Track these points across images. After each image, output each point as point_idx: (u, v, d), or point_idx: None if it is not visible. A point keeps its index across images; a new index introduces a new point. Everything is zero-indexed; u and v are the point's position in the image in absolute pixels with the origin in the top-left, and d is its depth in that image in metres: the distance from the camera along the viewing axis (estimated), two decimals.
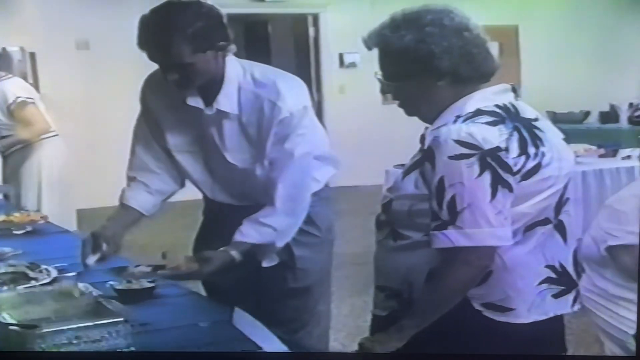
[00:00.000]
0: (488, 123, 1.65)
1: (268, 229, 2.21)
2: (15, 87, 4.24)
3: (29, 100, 4.21)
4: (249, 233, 2.20)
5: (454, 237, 1.62)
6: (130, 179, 2.38)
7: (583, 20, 8.55)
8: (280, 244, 2.25)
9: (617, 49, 8.25)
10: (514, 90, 1.77)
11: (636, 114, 6.55)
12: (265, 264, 2.29)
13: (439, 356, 1.73)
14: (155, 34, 2.10)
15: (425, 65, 1.70)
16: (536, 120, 1.72)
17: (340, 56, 8.62)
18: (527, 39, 8.72)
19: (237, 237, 2.20)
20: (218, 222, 2.42)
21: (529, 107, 1.75)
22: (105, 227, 2.32)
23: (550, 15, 8.49)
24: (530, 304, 1.71)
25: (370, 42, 1.76)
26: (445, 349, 1.70)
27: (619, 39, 8.30)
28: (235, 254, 2.17)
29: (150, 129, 2.37)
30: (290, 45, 9.18)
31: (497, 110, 1.69)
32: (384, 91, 1.79)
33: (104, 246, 2.25)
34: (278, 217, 2.22)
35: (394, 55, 1.73)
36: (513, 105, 1.72)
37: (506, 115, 1.68)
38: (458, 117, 1.68)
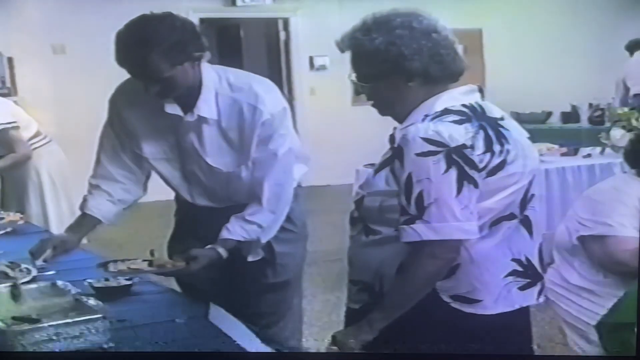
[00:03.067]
0: (455, 121, 1.70)
1: (254, 226, 2.27)
2: None
3: (9, 126, 4.07)
4: (235, 230, 2.26)
5: (421, 231, 1.67)
6: (93, 187, 2.40)
7: (544, 24, 8.68)
8: (264, 239, 2.32)
9: (577, 52, 8.40)
10: (481, 90, 1.83)
11: (596, 114, 6.69)
12: (250, 259, 2.35)
13: (416, 352, 1.78)
14: (132, 51, 2.12)
15: (396, 66, 1.75)
16: (502, 119, 1.78)
17: (311, 59, 8.66)
18: (491, 42, 8.83)
19: (224, 234, 2.26)
20: (194, 222, 2.46)
21: (495, 107, 1.81)
22: (62, 237, 2.38)
23: (513, 19, 8.61)
24: (497, 296, 1.76)
25: (343, 45, 1.81)
26: (414, 340, 1.75)
27: (578, 42, 8.45)
28: (222, 251, 2.23)
29: (119, 138, 2.38)
30: (261, 48, 9.19)
31: (464, 109, 1.74)
32: (357, 92, 1.84)
33: (48, 252, 2.31)
34: (264, 215, 2.28)
35: (366, 57, 1.78)
36: (479, 105, 1.77)
37: (472, 115, 1.73)
38: (426, 116, 1.73)
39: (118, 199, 2.39)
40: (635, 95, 7.02)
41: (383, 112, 1.85)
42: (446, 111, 1.73)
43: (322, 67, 8.55)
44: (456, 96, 1.78)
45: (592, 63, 8.10)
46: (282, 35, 8.82)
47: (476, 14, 8.33)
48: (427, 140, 1.67)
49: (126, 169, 2.39)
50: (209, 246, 2.25)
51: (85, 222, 2.41)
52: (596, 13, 8.60)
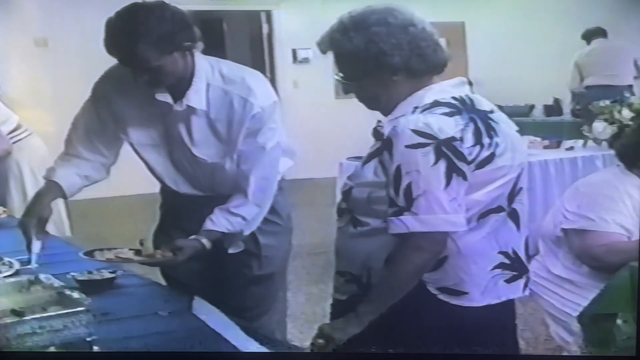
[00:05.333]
0: (445, 114, 1.72)
1: (238, 218, 2.28)
2: None
3: None
4: (220, 222, 2.26)
5: (409, 223, 1.68)
6: (64, 159, 2.39)
7: (527, 17, 8.72)
8: (247, 232, 2.34)
9: (560, 45, 8.44)
10: (470, 83, 1.85)
11: (578, 107, 6.76)
12: (231, 251, 2.36)
13: (404, 348, 1.78)
14: (121, 40, 2.12)
15: (378, 62, 1.76)
16: (491, 112, 1.79)
17: (294, 52, 8.66)
18: (474, 35, 8.87)
19: (208, 225, 2.26)
20: (179, 215, 2.46)
21: (484, 100, 1.82)
22: (32, 209, 2.30)
23: (496, 12, 8.66)
24: (484, 288, 1.78)
25: (323, 46, 1.83)
26: (401, 332, 1.76)
27: (561, 35, 8.48)
28: (206, 242, 2.24)
29: (101, 122, 2.37)
30: (244, 41, 9.18)
31: (454, 102, 1.75)
32: (346, 91, 1.85)
33: (37, 231, 2.25)
34: (249, 208, 2.29)
35: (347, 57, 1.80)
36: (469, 98, 1.78)
37: (462, 107, 1.75)
38: (416, 108, 1.74)
39: (85, 174, 2.38)
40: (588, 87, 7.15)
41: (371, 107, 1.86)
42: (436, 103, 1.74)
43: (305, 60, 8.55)
44: (446, 89, 1.79)
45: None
46: (265, 28, 8.81)
47: (458, 7, 8.37)
48: (417, 132, 1.68)
49: (96, 152, 2.39)
50: (193, 237, 2.25)
51: (51, 192, 2.37)
52: (579, 6, 8.65)
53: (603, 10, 7.98)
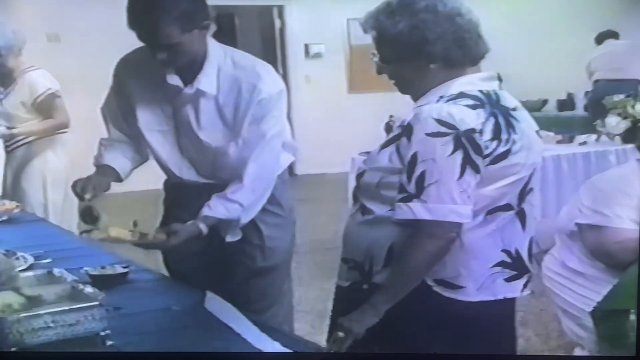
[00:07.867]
0: (468, 106, 1.72)
1: (235, 204, 2.28)
2: (45, 79, 4.16)
3: (57, 93, 4.13)
4: (217, 208, 2.26)
5: (416, 210, 1.69)
6: (106, 145, 2.43)
7: (541, 11, 8.68)
8: (244, 220, 2.33)
9: (573, 39, 8.41)
10: (500, 79, 1.84)
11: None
12: (229, 239, 2.35)
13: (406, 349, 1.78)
14: (143, 16, 2.14)
15: (418, 49, 1.77)
16: (514, 109, 1.79)
17: (306, 47, 8.67)
18: (487, 30, 8.82)
19: (205, 211, 2.26)
20: (179, 207, 2.47)
21: (510, 97, 1.82)
22: (98, 177, 2.34)
23: (510, 6, 8.62)
24: (480, 285, 1.77)
25: (367, 25, 1.82)
26: (394, 322, 1.75)
27: (575, 30, 8.45)
28: (203, 227, 2.24)
29: (120, 107, 2.41)
30: (256, 36, 9.19)
31: (479, 95, 1.76)
32: (379, 72, 1.85)
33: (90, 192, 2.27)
34: (245, 194, 2.29)
35: (389, 40, 1.79)
36: (495, 93, 1.79)
37: (487, 101, 1.75)
38: (441, 97, 1.75)
39: (129, 156, 2.43)
40: (596, 81, 7.15)
41: (403, 90, 1.86)
42: (462, 95, 1.75)
43: (318, 55, 8.56)
44: (474, 81, 1.80)
45: (589, 51, 8.11)
46: (277, 23, 8.82)
47: (473, 2, 8.34)
48: (440, 122, 1.69)
49: (129, 134, 2.43)
50: (190, 222, 2.26)
51: (102, 174, 2.39)
52: (593, 3, 8.60)
53: (617, 6, 7.94)
